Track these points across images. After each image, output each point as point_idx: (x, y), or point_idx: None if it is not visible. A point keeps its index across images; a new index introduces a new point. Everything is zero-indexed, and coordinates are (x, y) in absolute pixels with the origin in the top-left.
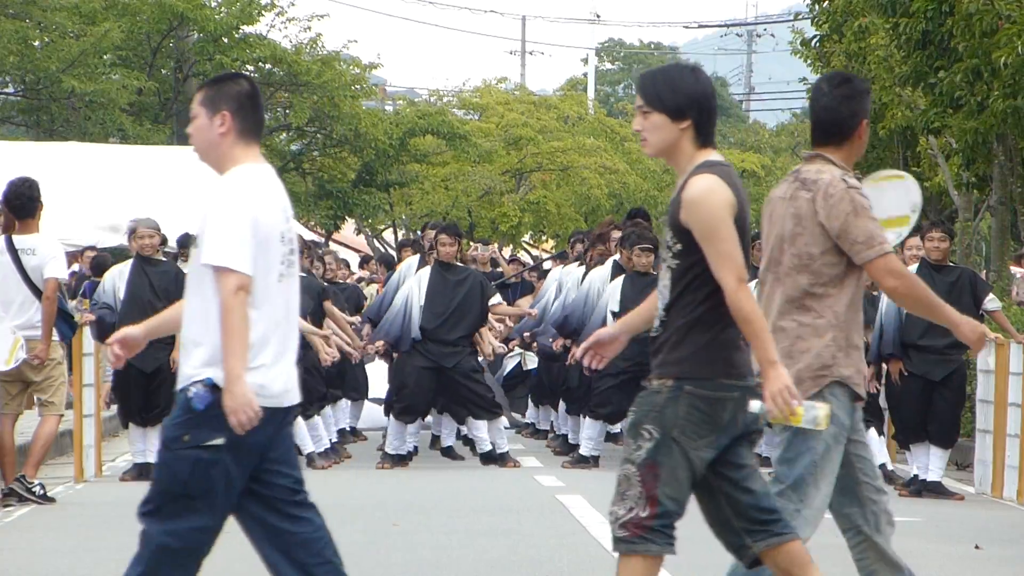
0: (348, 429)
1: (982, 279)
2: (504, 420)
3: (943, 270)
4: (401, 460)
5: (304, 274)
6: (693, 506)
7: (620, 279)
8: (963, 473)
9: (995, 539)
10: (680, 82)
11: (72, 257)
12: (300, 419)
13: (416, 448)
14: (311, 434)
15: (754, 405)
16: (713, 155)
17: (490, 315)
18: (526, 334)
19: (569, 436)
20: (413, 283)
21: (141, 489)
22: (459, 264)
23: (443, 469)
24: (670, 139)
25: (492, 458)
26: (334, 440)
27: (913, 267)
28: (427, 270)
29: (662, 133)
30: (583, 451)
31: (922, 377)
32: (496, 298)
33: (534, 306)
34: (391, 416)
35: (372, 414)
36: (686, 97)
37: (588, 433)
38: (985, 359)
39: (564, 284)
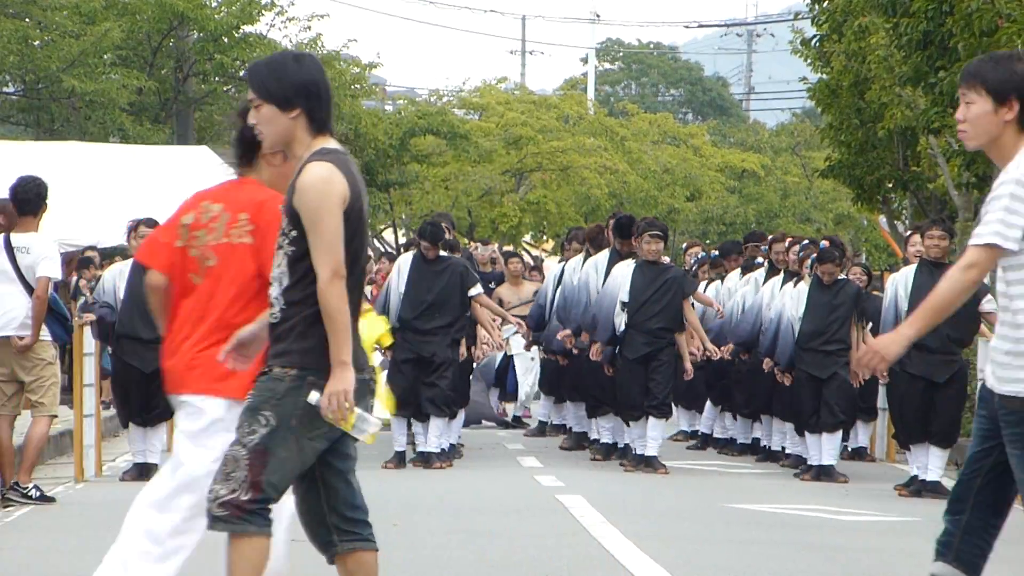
0: None
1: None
2: (453, 420)
3: (942, 268)
4: (402, 459)
5: None
6: (688, 507)
7: (630, 268)
8: None
9: None
10: (284, 71)
11: (71, 257)
12: None
13: (451, 446)
14: None
15: (312, 397)
16: (330, 142)
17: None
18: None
19: (590, 433)
20: (394, 271)
21: (141, 489)
22: (442, 254)
23: (443, 469)
24: (284, 130)
25: (424, 457)
26: None
27: (912, 266)
28: (408, 258)
29: (275, 125)
30: (651, 451)
31: (925, 378)
32: (476, 289)
33: (534, 307)
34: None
35: None
36: (292, 86)
37: (652, 433)
38: (985, 360)
39: (570, 278)
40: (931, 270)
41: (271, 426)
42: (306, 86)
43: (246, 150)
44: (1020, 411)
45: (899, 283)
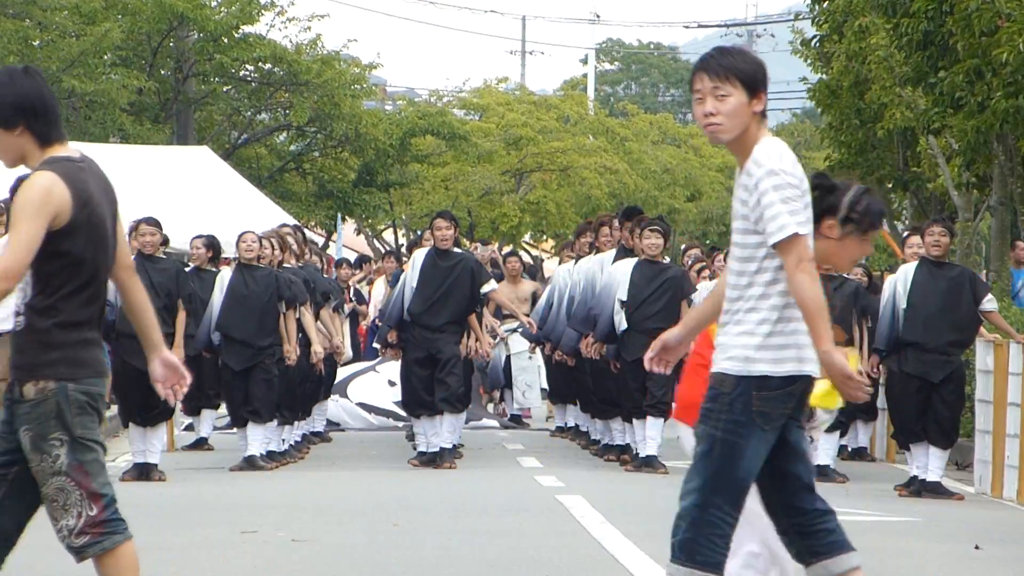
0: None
1: (981, 279)
2: (462, 417)
3: (943, 267)
4: (424, 458)
5: (299, 265)
6: None
7: (629, 267)
8: (963, 473)
9: (995, 539)
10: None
11: None
12: (250, 424)
13: (454, 446)
14: (260, 437)
15: None
16: (62, 150)
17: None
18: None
19: (590, 435)
20: (410, 265)
21: (141, 489)
22: (455, 250)
23: (443, 469)
24: (13, 148)
25: (430, 458)
26: (296, 440)
27: (912, 264)
28: (423, 253)
29: (2, 145)
30: (650, 451)
31: (920, 378)
32: (491, 284)
33: (536, 310)
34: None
35: (352, 412)
36: (9, 105)
37: (651, 432)
38: (984, 359)
39: (578, 279)
40: (931, 268)
41: (67, 440)
42: (23, 103)
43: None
44: (716, 387)
45: (898, 281)
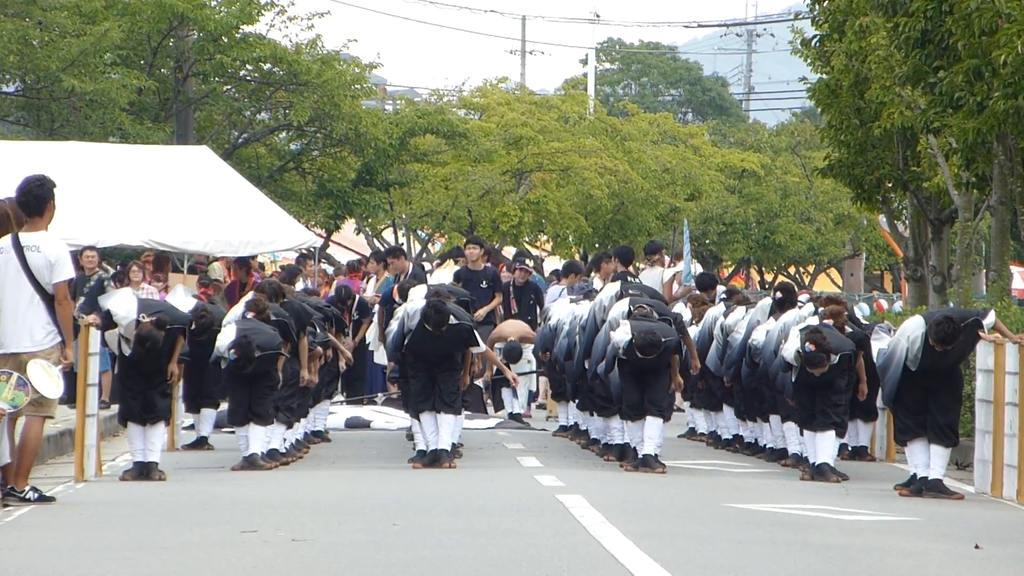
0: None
1: (976, 320)
2: (460, 418)
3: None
4: (424, 458)
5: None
6: (688, 507)
7: (624, 306)
8: (963, 473)
9: (995, 539)
10: None
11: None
12: (252, 424)
13: (453, 446)
14: (261, 437)
15: None
16: None
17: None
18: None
19: (592, 433)
20: (405, 315)
21: (141, 489)
22: (452, 321)
23: (443, 469)
24: None
25: (430, 458)
26: (299, 438)
27: (919, 333)
28: (417, 314)
29: None
30: (648, 451)
31: (918, 372)
32: (479, 348)
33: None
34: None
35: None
36: None
37: (650, 432)
38: (984, 359)
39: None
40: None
41: None
42: None
43: None
44: None
45: (905, 347)
